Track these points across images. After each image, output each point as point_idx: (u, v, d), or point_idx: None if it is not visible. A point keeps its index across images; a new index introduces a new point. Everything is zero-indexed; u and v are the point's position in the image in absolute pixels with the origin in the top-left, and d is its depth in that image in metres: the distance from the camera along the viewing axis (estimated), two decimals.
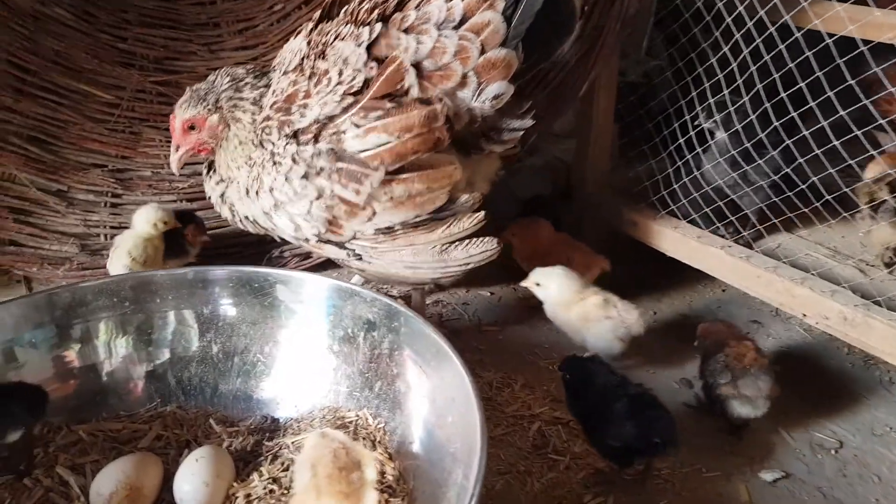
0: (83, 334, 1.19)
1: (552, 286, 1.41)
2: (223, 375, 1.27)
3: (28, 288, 1.73)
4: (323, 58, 1.26)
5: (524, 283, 1.44)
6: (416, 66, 1.21)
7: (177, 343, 1.26)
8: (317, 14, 1.34)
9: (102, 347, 1.21)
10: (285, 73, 1.29)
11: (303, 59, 1.28)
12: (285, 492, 1.09)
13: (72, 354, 1.18)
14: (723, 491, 1.15)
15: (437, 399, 1.09)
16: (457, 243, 1.30)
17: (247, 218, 1.35)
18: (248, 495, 1.08)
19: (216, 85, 1.30)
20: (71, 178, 1.77)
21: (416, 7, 1.23)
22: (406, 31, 1.22)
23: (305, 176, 1.23)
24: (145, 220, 1.54)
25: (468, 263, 1.31)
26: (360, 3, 1.27)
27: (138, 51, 1.89)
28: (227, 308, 1.28)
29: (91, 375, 1.20)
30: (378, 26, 1.23)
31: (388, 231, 1.28)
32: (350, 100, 1.22)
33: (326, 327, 1.25)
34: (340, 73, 1.23)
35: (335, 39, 1.26)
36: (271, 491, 1.09)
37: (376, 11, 1.24)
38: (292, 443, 1.17)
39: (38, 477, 1.10)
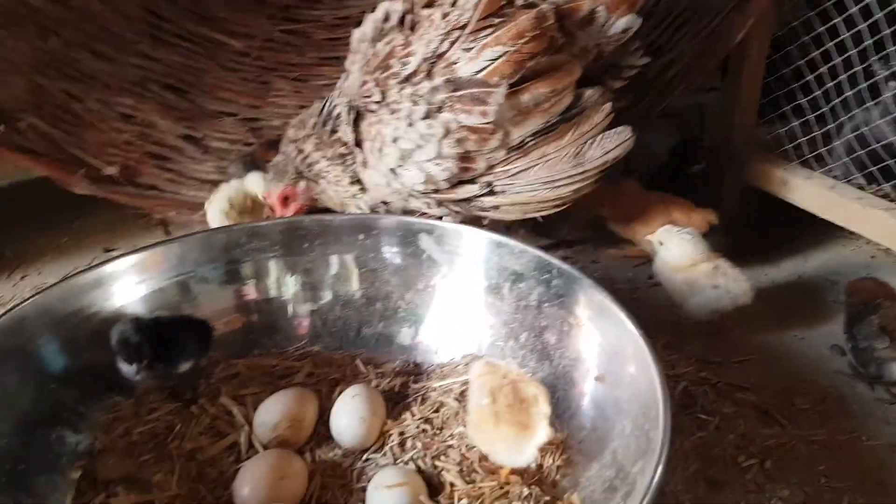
0: (253, 272, 1.24)
1: (673, 249, 1.35)
2: (366, 319, 1.30)
3: (165, 231, 1.82)
4: (430, 6, 1.25)
5: (650, 237, 1.39)
6: None
7: (328, 286, 1.29)
8: None
9: (273, 286, 1.26)
10: (373, 41, 1.30)
11: (403, 16, 1.27)
12: (437, 431, 1.11)
13: (244, 291, 1.24)
14: (888, 460, 1.10)
15: (594, 350, 1.08)
16: (590, 142, 1.26)
17: (384, 203, 1.36)
18: (402, 433, 1.11)
19: (289, 156, 1.35)
20: (205, 126, 1.82)
21: None
22: None
23: (428, 115, 1.22)
24: (258, 186, 1.52)
25: (605, 162, 1.26)
26: None
27: None
28: (372, 254, 1.29)
29: (256, 312, 1.25)
30: None
31: (520, 147, 1.25)
32: (457, 33, 1.21)
33: (470, 277, 1.25)
34: (446, 15, 1.22)
35: None
36: (424, 430, 1.11)
37: None
38: (439, 386, 1.19)
39: (203, 406, 1.16)
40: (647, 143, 1.72)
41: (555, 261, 1.14)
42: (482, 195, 1.30)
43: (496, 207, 1.33)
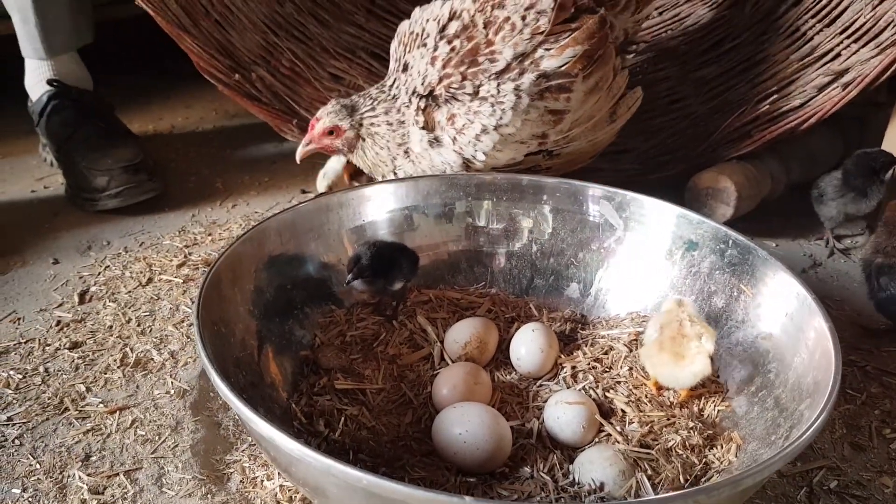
0: (462, 215, 1.45)
1: None
2: (539, 271, 1.47)
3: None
4: (501, 7, 1.49)
5: None
6: None
7: (512, 239, 1.47)
8: None
9: (471, 232, 1.47)
10: (442, 37, 1.49)
11: (473, 15, 1.50)
12: (607, 370, 1.27)
13: (450, 231, 1.46)
14: None
15: (761, 313, 1.20)
16: (619, 102, 1.62)
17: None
18: (574, 367, 1.27)
19: (359, 105, 1.53)
20: None
21: None
22: None
23: (529, 105, 1.46)
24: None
25: (629, 115, 1.66)
26: None
27: None
28: (551, 214, 1.46)
29: (452, 252, 1.46)
30: None
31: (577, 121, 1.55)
32: (540, 38, 1.46)
33: (644, 243, 1.38)
34: (524, 18, 1.47)
35: None
36: (594, 367, 1.27)
37: None
38: (607, 334, 1.34)
39: (403, 321, 1.37)
40: (811, 153, 1.85)
41: (732, 232, 1.27)
42: (542, 160, 1.57)
43: (549, 168, 1.60)
